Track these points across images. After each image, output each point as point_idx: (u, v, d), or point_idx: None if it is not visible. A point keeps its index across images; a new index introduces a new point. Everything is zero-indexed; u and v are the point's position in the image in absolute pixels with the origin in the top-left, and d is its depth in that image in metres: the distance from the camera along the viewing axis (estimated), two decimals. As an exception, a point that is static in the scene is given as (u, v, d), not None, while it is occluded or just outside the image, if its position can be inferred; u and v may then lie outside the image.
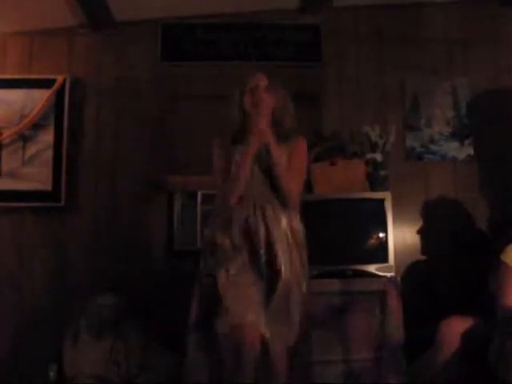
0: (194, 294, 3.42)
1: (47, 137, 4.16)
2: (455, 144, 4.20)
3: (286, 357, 2.84)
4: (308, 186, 3.71)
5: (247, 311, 2.70)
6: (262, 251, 2.79)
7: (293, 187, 2.86)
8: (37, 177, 4.14)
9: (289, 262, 2.80)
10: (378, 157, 3.79)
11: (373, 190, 3.74)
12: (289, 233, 2.85)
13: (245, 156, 2.83)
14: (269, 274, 2.78)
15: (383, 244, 3.59)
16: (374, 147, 3.81)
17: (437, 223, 4.08)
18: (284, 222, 2.85)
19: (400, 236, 3.86)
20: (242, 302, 2.73)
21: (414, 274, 3.99)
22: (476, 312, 3.03)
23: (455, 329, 2.95)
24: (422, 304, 3.84)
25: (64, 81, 4.19)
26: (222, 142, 2.97)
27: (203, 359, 3.33)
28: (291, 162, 2.89)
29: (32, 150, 4.16)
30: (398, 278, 3.57)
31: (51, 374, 3.74)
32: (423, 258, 4.06)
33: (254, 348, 2.68)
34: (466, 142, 4.20)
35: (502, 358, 2.69)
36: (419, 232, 4.07)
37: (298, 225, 2.91)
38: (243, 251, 2.80)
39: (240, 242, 2.81)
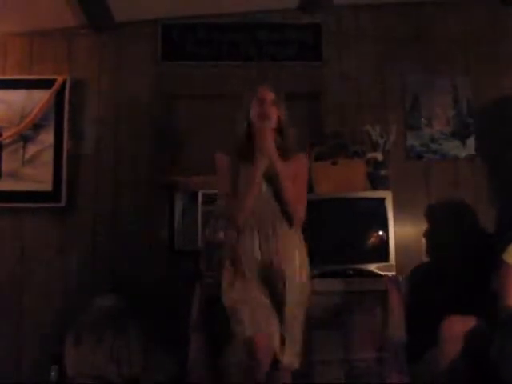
0: (195, 294, 3.43)
1: (47, 137, 4.16)
2: (456, 143, 4.20)
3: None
4: (309, 186, 3.71)
5: (261, 322, 2.70)
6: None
7: (299, 207, 2.86)
8: (37, 177, 4.14)
9: (296, 288, 2.80)
10: (379, 156, 3.79)
11: (374, 189, 3.75)
12: (297, 253, 2.84)
13: (252, 175, 2.79)
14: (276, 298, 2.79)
15: (384, 243, 3.59)
16: (374, 146, 3.82)
17: (439, 223, 4.08)
18: (293, 241, 2.85)
19: (401, 235, 3.85)
20: (255, 315, 2.71)
21: (415, 273, 3.99)
22: (478, 311, 3.03)
23: (457, 328, 2.94)
24: (424, 303, 3.84)
25: (64, 81, 4.18)
26: (226, 157, 2.91)
27: (204, 359, 3.34)
28: (297, 182, 2.87)
29: (32, 150, 4.16)
30: (399, 277, 3.56)
31: (52, 374, 3.74)
32: (424, 257, 4.05)
33: (266, 357, 2.69)
34: (467, 141, 4.20)
35: (503, 357, 2.69)
36: (424, 234, 4.08)
37: (303, 242, 2.92)
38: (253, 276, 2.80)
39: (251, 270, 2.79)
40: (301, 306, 2.82)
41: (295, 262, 2.81)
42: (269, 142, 2.78)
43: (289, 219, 2.82)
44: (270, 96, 2.86)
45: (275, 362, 2.72)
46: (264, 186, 2.82)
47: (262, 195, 2.82)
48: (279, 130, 2.88)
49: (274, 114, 2.84)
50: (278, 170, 2.79)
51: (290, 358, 2.76)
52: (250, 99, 2.87)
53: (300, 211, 2.85)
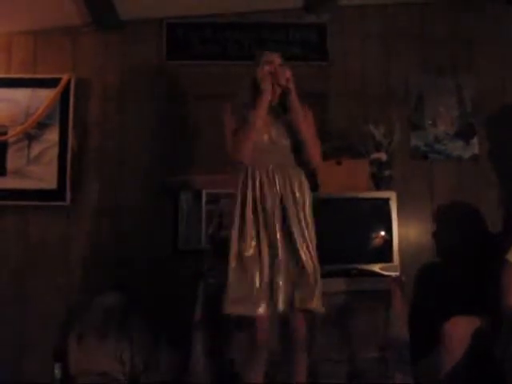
0: (199, 294, 3.43)
1: (52, 136, 4.17)
2: (460, 143, 4.20)
3: (306, 323, 2.97)
4: (313, 185, 3.71)
5: (256, 302, 2.83)
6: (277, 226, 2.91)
7: (317, 150, 3.09)
8: (42, 175, 4.15)
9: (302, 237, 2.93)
10: (383, 156, 3.79)
11: (378, 189, 3.75)
12: (301, 199, 2.98)
13: (260, 103, 2.96)
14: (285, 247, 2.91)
15: (388, 243, 3.59)
16: (378, 146, 3.81)
17: (443, 223, 4.07)
18: (300, 187, 3.01)
19: (405, 235, 3.85)
20: (249, 291, 2.84)
21: (420, 274, 3.99)
22: (482, 311, 3.03)
23: (461, 328, 2.95)
24: (428, 303, 3.84)
25: (69, 80, 4.19)
26: (233, 105, 3.09)
27: (207, 358, 3.34)
28: (309, 129, 3.06)
29: (37, 148, 4.17)
30: (403, 278, 3.56)
31: (56, 372, 3.74)
32: (428, 257, 4.05)
33: (265, 344, 2.84)
34: (471, 141, 4.19)
35: (507, 357, 2.69)
36: (430, 235, 4.09)
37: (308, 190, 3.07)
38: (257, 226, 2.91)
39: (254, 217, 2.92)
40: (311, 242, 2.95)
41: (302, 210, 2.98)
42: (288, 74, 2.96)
43: (305, 165, 3.05)
44: (278, 59, 3.07)
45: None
46: (274, 134, 3.01)
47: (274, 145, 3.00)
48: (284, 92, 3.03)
49: (281, 73, 2.97)
50: (294, 102, 2.98)
51: (315, 302, 2.90)
52: (258, 62, 3.08)
53: (317, 155, 3.08)
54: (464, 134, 4.21)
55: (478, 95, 4.25)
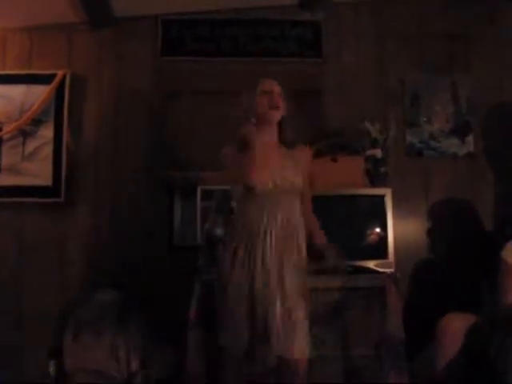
0: (194, 292, 3.42)
1: (47, 132, 4.16)
2: (455, 140, 4.20)
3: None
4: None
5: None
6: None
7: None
8: (37, 172, 4.14)
9: (295, 283, 2.84)
10: (378, 153, 3.79)
11: (373, 186, 3.75)
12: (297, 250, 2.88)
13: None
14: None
15: (383, 240, 3.59)
16: (374, 143, 3.81)
17: (438, 220, 4.08)
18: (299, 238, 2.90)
19: (400, 232, 3.85)
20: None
21: (415, 270, 4.00)
22: (477, 308, 3.04)
23: (455, 325, 2.95)
24: (423, 300, 3.85)
25: (64, 76, 4.18)
26: (233, 148, 2.89)
27: (203, 357, 3.34)
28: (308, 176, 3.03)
29: (32, 145, 4.16)
30: (397, 274, 3.57)
31: (51, 369, 3.73)
32: (423, 254, 4.06)
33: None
34: (466, 138, 4.20)
35: (501, 354, 2.70)
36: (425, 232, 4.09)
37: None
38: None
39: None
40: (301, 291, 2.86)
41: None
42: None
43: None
44: (278, 88, 2.89)
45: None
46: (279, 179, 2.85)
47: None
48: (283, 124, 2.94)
49: (282, 104, 2.87)
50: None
51: (300, 347, 2.79)
52: (252, 95, 2.89)
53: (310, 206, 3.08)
54: (459, 131, 4.21)
55: (473, 93, 4.26)
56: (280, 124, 2.92)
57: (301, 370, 2.80)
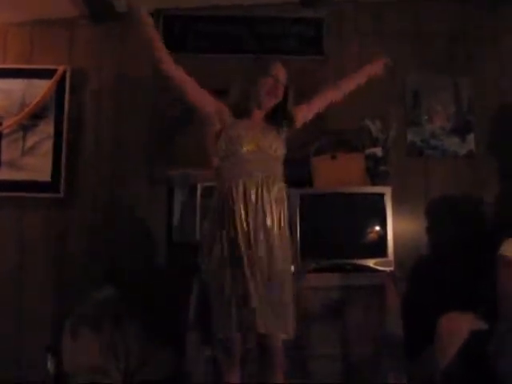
0: (193, 290, 3.42)
1: (47, 127, 4.16)
2: (456, 139, 4.20)
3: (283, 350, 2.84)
4: (308, 180, 3.71)
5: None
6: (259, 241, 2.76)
7: None
8: (36, 167, 4.14)
9: (281, 249, 2.80)
10: (379, 151, 3.79)
11: (373, 184, 3.74)
12: (282, 214, 2.85)
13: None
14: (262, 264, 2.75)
15: (382, 238, 3.59)
16: (374, 142, 3.81)
17: (439, 219, 4.08)
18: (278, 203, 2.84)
19: (399, 231, 3.85)
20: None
21: (414, 269, 4.00)
22: (477, 307, 3.03)
23: (455, 324, 2.95)
24: (423, 299, 3.85)
25: (65, 71, 4.18)
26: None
27: (202, 355, 3.34)
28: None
29: (32, 140, 4.16)
30: (397, 273, 3.57)
31: (50, 366, 3.73)
32: (423, 252, 4.06)
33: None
34: (467, 137, 4.19)
35: (500, 353, 2.70)
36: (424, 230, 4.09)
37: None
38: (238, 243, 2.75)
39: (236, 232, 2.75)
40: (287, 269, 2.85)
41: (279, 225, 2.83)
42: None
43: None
44: (284, 75, 2.94)
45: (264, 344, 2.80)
46: (262, 144, 2.86)
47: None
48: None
49: (280, 95, 2.92)
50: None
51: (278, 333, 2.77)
52: (261, 70, 2.94)
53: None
54: (460, 130, 4.21)
55: (474, 92, 4.25)
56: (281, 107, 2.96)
57: (282, 352, 2.82)
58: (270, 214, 2.78)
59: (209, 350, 3.27)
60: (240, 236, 2.72)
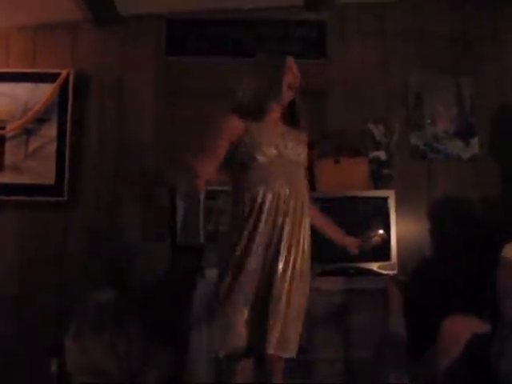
0: (196, 291, 3.42)
1: (51, 131, 4.16)
2: (459, 143, 4.19)
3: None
4: (312, 184, 3.71)
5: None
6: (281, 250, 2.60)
7: None
8: (40, 171, 4.14)
9: (301, 264, 2.65)
10: (382, 155, 3.79)
11: (376, 188, 3.75)
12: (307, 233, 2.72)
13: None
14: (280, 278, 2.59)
15: (386, 242, 3.59)
16: (377, 145, 3.81)
17: (442, 222, 4.08)
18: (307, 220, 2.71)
19: (403, 234, 3.85)
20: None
21: (417, 272, 3.99)
22: (480, 310, 3.03)
23: (458, 327, 2.95)
24: (426, 302, 3.85)
25: (68, 75, 4.18)
26: (238, 121, 2.72)
27: (204, 357, 3.34)
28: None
29: (35, 143, 4.16)
30: (400, 276, 3.57)
31: (52, 368, 3.73)
32: (426, 255, 4.06)
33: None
34: (471, 140, 4.19)
35: (502, 356, 2.69)
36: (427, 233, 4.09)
37: None
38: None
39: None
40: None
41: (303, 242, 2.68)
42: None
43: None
44: (296, 69, 2.85)
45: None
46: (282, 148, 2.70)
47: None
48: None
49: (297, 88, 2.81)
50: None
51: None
52: (282, 65, 2.80)
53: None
54: (463, 133, 4.21)
55: (477, 95, 4.25)
56: (291, 105, 2.83)
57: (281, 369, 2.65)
58: (292, 230, 2.62)
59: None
60: (261, 249, 2.57)
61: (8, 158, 4.17)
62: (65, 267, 4.12)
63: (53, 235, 4.14)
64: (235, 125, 2.70)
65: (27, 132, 4.17)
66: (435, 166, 4.18)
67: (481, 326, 2.94)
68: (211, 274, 3.41)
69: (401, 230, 3.72)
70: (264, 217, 2.58)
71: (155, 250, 4.07)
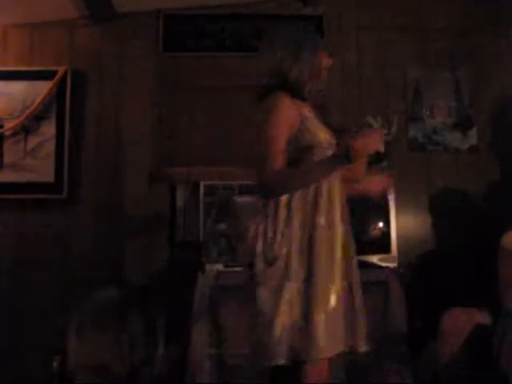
0: (197, 287, 3.42)
1: (49, 128, 4.16)
2: (458, 134, 4.19)
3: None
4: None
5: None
6: None
7: None
8: (39, 169, 4.13)
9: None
10: (381, 147, 3.78)
11: (375, 180, 3.74)
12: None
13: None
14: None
15: (386, 235, 3.59)
16: (376, 138, 3.80)
17: (441, 214, 4.08)
18: None
19: (403, 226, 3.85)
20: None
21: (417, 264, 3.99)
22: (481, 302, 3.03)
23: (459, 320, 2.95)
24: (427, 295, 3.84)
25: (65, 72, 4.17)
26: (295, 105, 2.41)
27: (206, 353, 3.34)
28: None
29: (34, 141, 4.15)
30: (400, 269, 3.57)
31: (54, 365, 3.74)
32: (426, 248, 4.06)
33: None
34: (469, 132, 4.19)
35: (502, 348, 2.70)
36: (431, 225, 4.09)
37: None
38: None
39: None
40: None
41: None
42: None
43: None
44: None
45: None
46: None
47: None
48: None
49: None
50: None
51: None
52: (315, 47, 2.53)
53: None
54: (462, 125, 4.21)
55: (475, 86, 4.25)
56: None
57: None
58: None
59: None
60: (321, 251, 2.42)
61: (7, 157, 4.15)
62: (65, 265, 4.11)
63: (52, 233, 4.14)
64: (292, 110, 2.42)
65: (26, 130, 4.16)
66: (434, 157, 4.19)
67: (482, 318, 2.95)
68: (211, 269, 3.46)
69: (400, 223, 3.72)
70: (323, 205, 2.45)
71: (155, 246, 4.07)
